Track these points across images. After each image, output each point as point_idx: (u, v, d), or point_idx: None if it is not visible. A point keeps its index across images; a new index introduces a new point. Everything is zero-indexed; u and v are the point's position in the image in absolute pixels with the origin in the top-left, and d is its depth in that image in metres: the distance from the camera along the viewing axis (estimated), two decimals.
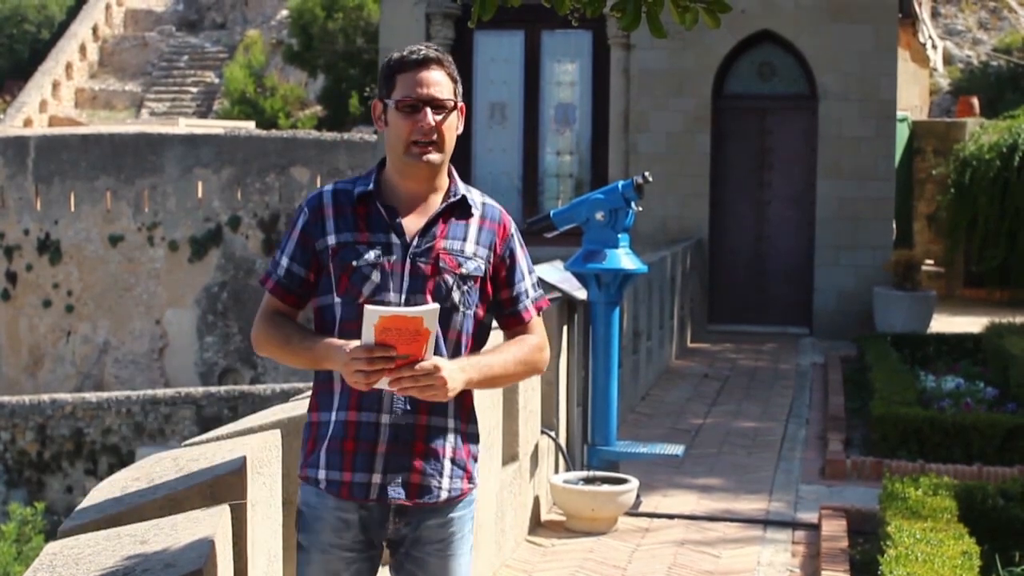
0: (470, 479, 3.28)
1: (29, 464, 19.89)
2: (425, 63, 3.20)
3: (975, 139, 19.62)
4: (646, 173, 7.74)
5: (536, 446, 7.11)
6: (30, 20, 41.48)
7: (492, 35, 16.73)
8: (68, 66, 39.41)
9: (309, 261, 3.24)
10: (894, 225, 16.48)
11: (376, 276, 3.16)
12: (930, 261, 19.90)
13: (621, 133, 16.46)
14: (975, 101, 23.81)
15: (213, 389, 20.59)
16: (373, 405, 3.16)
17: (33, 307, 26.62)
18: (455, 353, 3.19)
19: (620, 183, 7.60)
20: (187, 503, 3.35)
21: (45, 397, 20.65)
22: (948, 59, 29.45)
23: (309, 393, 4.84)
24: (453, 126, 3.23)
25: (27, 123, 35.69)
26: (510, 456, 6.64)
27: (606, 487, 7.17)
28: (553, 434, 7.48)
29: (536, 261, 8.22)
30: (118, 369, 26.22)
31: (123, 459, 19.09)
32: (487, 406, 5.93)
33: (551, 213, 7.77)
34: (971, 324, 14.94)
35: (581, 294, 7.66)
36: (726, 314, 16.30)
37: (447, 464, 3.21)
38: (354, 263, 3.17)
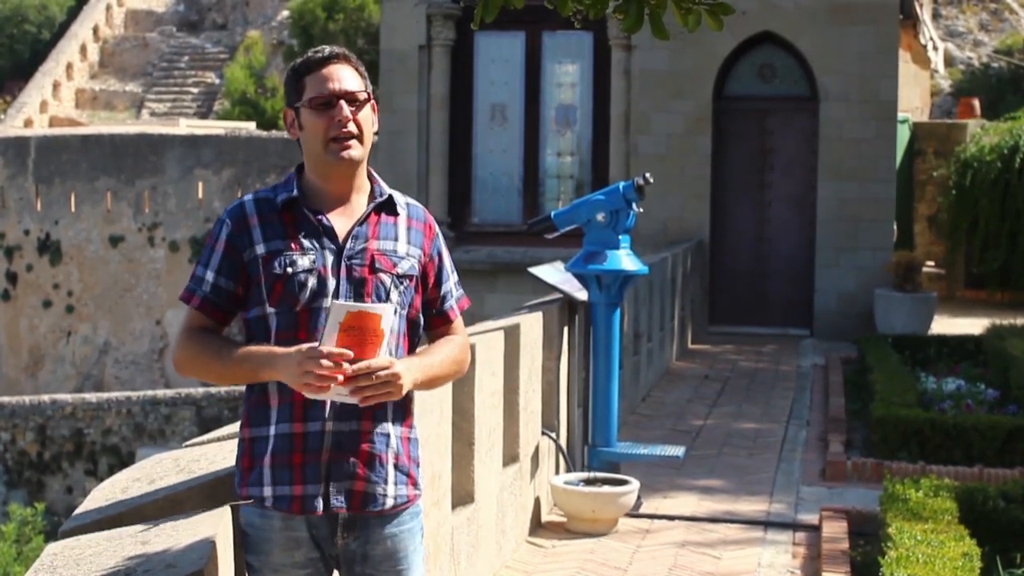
0: (415, 485, 3.21)
1: (29, 465, 19.89)
2: (330, 59, 3.17)
3: (976, 141, 19.62)
4: (647, 174, 7.74)
5: (537, 447, 7.10)
6: (30, 20, 41.49)
7: (493, 36, 16.73)
8: (69, 66, 39.41)
9: (237, 274, 3.14)
10: (895, 226, 16.48)
11: (312, 282, 3.08)
12: (931, 263, 19.91)
13: (622, 134, 16.45)
14: (976, 103, 23.80)
15: (213, 390, 20.58)
16: (318, 414, 3.07)
17: (33, 307, 26.63)
18: (393, 352, 3.13)
19: (621, 184, 7.59)
20: (188, 504, 3.35)
21: (45, 398, 20.65)
22: (949, 61, 29.45)
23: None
24: (369, 119, 3.19)
25: (27, 123, 35.69)
26: (511, 457, 6.64)
27: (607, 488, 7.16)
28: (554, 435, 7.48)
29: (537, 262, 8.21)
30: (118, 370, 26.23)
31: (123, 460, 19.09)
32: (488, 407, 5.93)
33: (552, 214, 7.77)
34: (972, 326, 14.93)
35: (582, 295, 7.65)
36: (727, 315, 16.30)
37: (391, 470, 3.14)
38: (288, 270, 3.08)
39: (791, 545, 7.08)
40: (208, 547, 2.92)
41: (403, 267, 3.17)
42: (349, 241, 3.13)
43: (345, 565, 3.18)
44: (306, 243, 3.11)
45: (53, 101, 38.22)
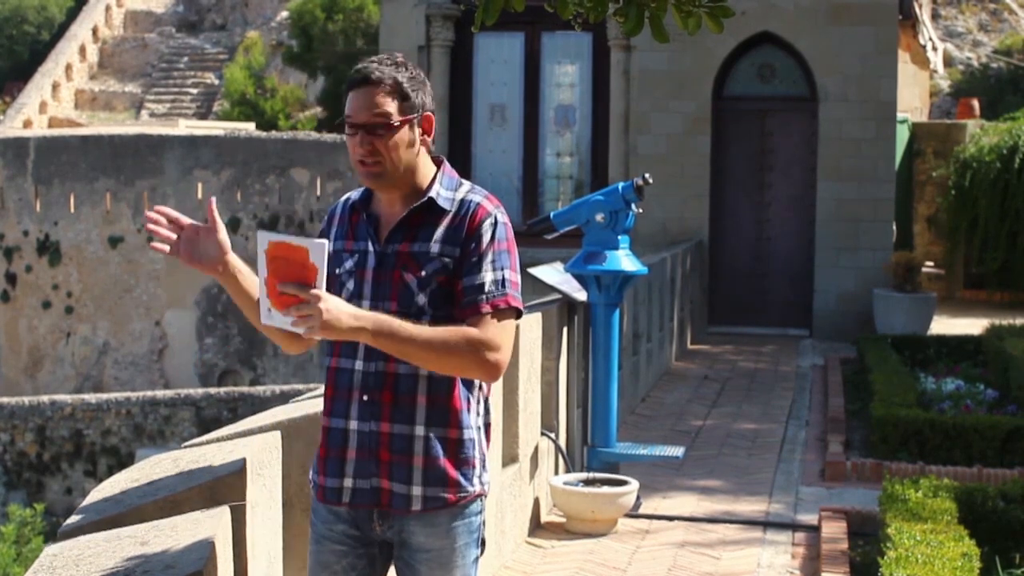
0: (458, 488, 3.21)
1: (28, 465, 19.88)
2: (358, 84, 3.17)
3: (975, 141, 19.63)
4: (646, 175, 7.74)
5: (536, 447, 7.10)
6: (30, 21, 41.48)
7: (492, 37, 16.73)
8: (68, 67, 39.41)
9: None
10: (894, 227, 16.48)
11: (350, 283, 3.21)
12: (930, 263, 19.91)
13: (621, 135, 16.46)
14: (975, 103, 23.82)
15: (213, 390, 20.59)
16: (340, 411, 3.20)
17: (33, 308, 26.62)
18: None
19: (620, 185, 7.59)
20: (187, 504, 3.35)
21: (44, 398, 20.64)
22: (948, 61, 29.46)
23: (309, 395, 4.86)
24: (401, 143, 3.18)
25: (27, 124, 35.69)
26: (510, 458, 6.64)
27: (606, 489, 7.16)
28: (553, 436, 7.48)
29: (536, 263, 8.21)
30: (118, 370, 26.22)
31: (122, 460, 19.09)
32: None
33: (551, 215, 7.77)
34: (971, 326, 14.94)
35: (581, 296, 7.65)
36: (726, 316, 16.30)
37: (417, 474, 3.15)
38: (337, 270, 3.23)
39: (790, 545, 7.08)
40: (207, 548, 2.92)
41: (430, 269, 3.16)
42: (386, 244, 3.21)
43: (395, 548, 3.26)
44: (355, 245, 3.25)
45: (52, 102, 38.22)
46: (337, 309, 2.97)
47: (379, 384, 3.15)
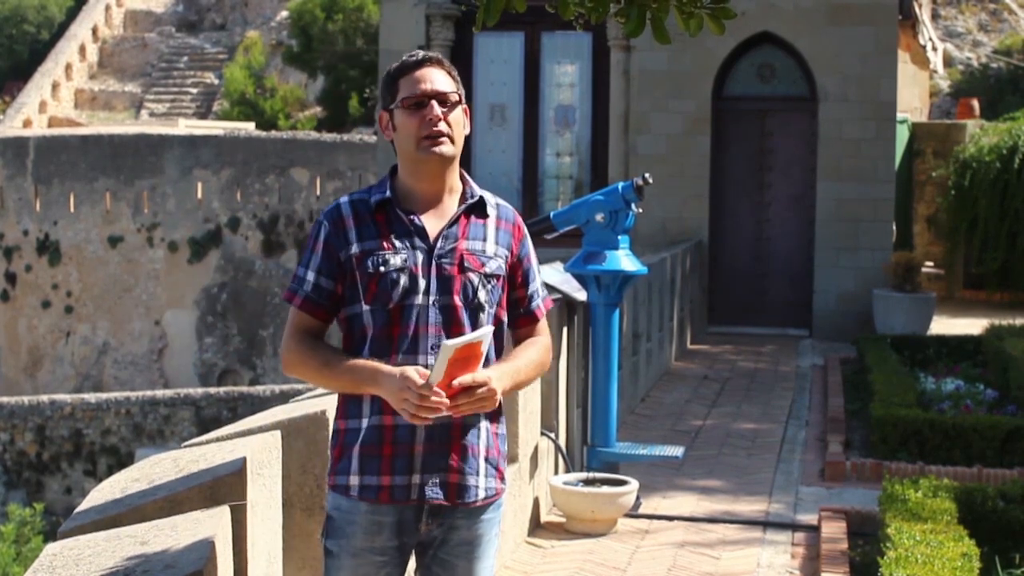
0: (502, 479, 3.32)
1: (28, 465, 19.89)
2: (424, 62, 3.29)
3: (975, 141, 19.63)
4: (646, 174, 7.74)
5: (536, 447, 7.10)
6: (30, 21, 41.49)
7: (492, 36, 16.73)
8: (68, 67, 39.42)
9: (335, 273, 3.25)
10: (894, 227, 16.48)
11: (404, 280, 3.20)
12: (930, 263, 19.91)
13: (621, 135, 16.46)
14: (975, 103, 23.82)
15: (212, 390, 20.61)
16: None
17: (32, 308, 26.62)
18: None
19: (620, 185, 7.59)
20: (187, 504, 3.35)
21: (44, 398, 20.65)
22: (948, 61, 29.46)
23: (308, 395, 4.85)
24: (460, 122, 3.28)
25: (26, 124, 35.70)
26: (510, 457, 6.64)
27: (606, 489, 7.16)
28: (553, 435, 7.48)
29: None
30: (117, 370, 26.22)
31: (122, 460, 19.10)
32: None
33: (551, 215, 7.77)
34: (971, 326, 14.93)
35: (581, 295, 7.65)
36: (726, 316, 16.30)
37: (482, 463, 3.24)
38: (381, 269, 3.20)
39: (790, 545, 7.08)
40: (207, 547, 2.92)
41: (491, 267, 3.26)
42: (440, 241, 3.23)
43: (421, 549, 3.27)
44: (398, 243, 3.22)
45: (52, 101, 38.22)
46: (496, 382, 3.11)
47: None
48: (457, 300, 3.21)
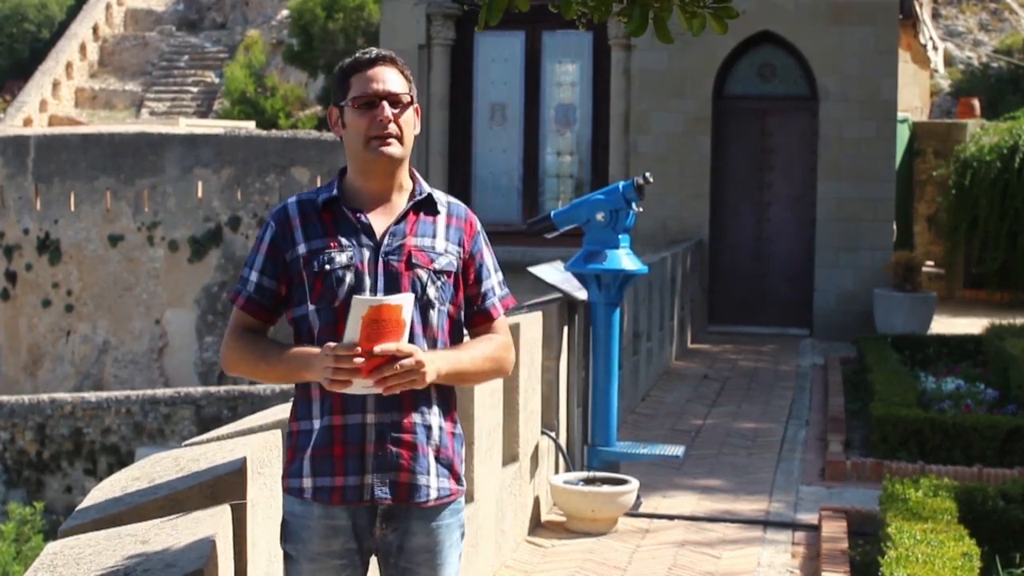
0: (458, 480, 3.26)
1: (28, 464, 19.88)
2: (378, 61, 3.26)
3: (976, 140, 19.62)
4: (646, 174, 7.74)
5: (536, 447, 7.10)
6: (30, 19, 41.47)
7: (493, 35, 16.72)
8: (68, 66, 39.40)
9: (279, 273, 3.23)
10: (894, 226, 16.48)
11: (350, 277, 3.17)
12: (930, 262, 19.91)
13: (621, 134, 16.45)
14: (976, 102, 23.81)
15: (213, 389, 20.58)
16: (358, 406, 3.15)
17: (33, 307, 26.62)
18: (432, 348, 3.19)
19: (620, 184, 7.59)
20: (188, 503, 3.35)
21: (44, 397, 20.64)
22: (949, 60, 29.45)
23: None
24: (411, 122, 3.26)
25: (27, 122, 35.68)
26: (510, 456, 6.64)
27: (606, 488, 7.16)
28: (553, 435, 7.48)
29: (537, 262, 8.21)
30: (117, 369, 26.22)
31: (122, 459, 19.09)
32: (488, 406, 5.93)
33: (552, 214, 7.78)
34: (971, 325, 14.93)
35: (581, 295, 7.65)
36: (726, 315, 16.30)
37: (432, 462, 3.19)
38: (327, 267, 3.17)
39: (790, 545, 7.08)
40: (208, 546, 2.92)
41: (440, 263, 3.22)
42: (387, 238, 3.19)
43: (382, 557, 3.23)
44: (344, 241, 3.19)
45: (53, 100, 38.21)
46: (427, 359, 3.06)
47: None
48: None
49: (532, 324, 6.88)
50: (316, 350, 3.08)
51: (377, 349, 2.98)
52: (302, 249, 3.20)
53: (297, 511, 3.20)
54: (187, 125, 31.62)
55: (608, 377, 7.62)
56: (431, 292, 3.19)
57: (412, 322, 3.11)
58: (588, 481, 7.25)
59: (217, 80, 39.16)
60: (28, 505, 17.34)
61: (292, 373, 3.15)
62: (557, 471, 7.62)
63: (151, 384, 24.97)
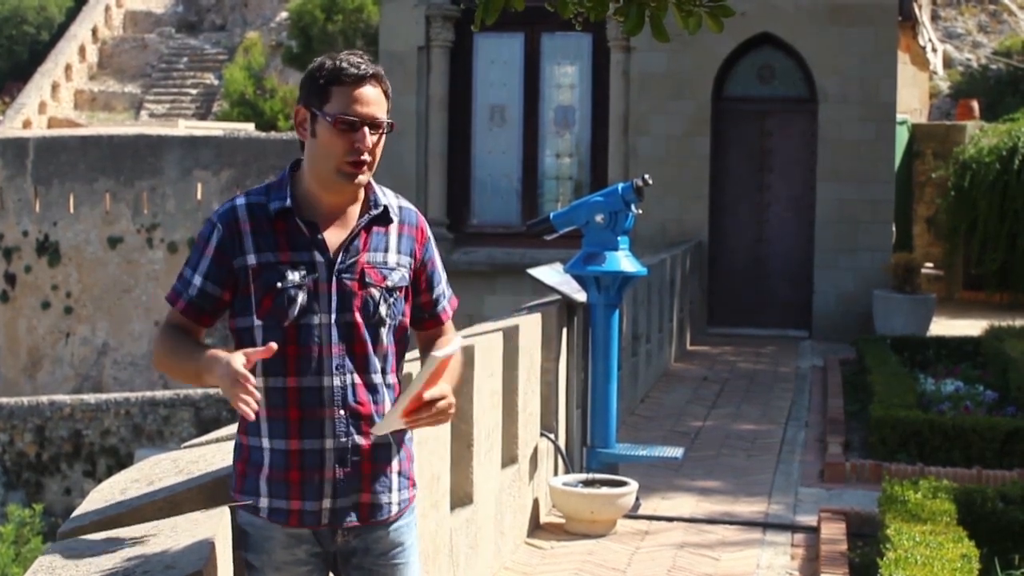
0: (414, 484, 3.24)
1: (28, 466, 19.88)
2: (365, 79, 3.07)
3: (975, 142, 19.63)
4: (646, 175, 7.74)
5: (535, 448, 7.10)
6: (29, 21, 41.49)
7: (492, 37, 16.73)
8: (67, 67, 39.43)
9: (224, 280, 3.09)
10: (894, 228, 16.48)
11: (302, 297, 3.04)
12: (930, 264, 19.91)
13: (621, 136, 16.46)
14: (975, 104, 23.84)
15: (212, 391, 20.57)
16: (315, 431, 3.06)
17: (32, 309, 26.62)
18: (384, 364, 3.13)
19: (620, 185, 7.60)
20: (187, 505, 3.35)
21: (44, 399, 20.65)
22: (948, 62, 29.47)
23: None
24: (381, 145, 3.13)
25: (26, 124, 35.70)
26: (509, 458, 6.64)
27: (605, 490, 7.16)
28: (552, 436, 7.48)
29: (536, 263, 8.21)
30: (117, 371, 26.22)
31: (121, 461, 19.09)
32: (487, 407, 5.93)
33: (551, 215, 7.78)
34: (971, 327, 14.94)
35: (581, 296, 7.65)
36: (725, 317, 16.30)
37: (394, 479, 3.16)
38: (279, 284, 3.04)
39: (790, 546, 7.08)
40: (207, 548, 2.92)
41: (393, 279, 3.14)
42: (340, 254, 3.08)
43: (342, 557, 3.18)
44: (296, 256, 3.05)
45: (52, 102, 38.23)
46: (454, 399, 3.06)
47: (355, 397, 3.08)
48: (358, 317, 3.07)
49: (531, 326, 6.88)
50: (225, 355, 2.94)
51: (426, 395, 2.95)
52: (251, 260, 3.05)
53: (257, 523, 3.13)
54: (186, 127, 31.64)
55: (607, 379, 7.63)
56: (383, 310, 3.11)
57: (364, 341, 3.07)
58: (587, 483, 7.25)
59: (216, 82, 39.18)
60: (27, 507, 17.34)
61: (198, 375, 3.00)
62: (556, 473, 7.62)
63: (150, 386, 24.97)
